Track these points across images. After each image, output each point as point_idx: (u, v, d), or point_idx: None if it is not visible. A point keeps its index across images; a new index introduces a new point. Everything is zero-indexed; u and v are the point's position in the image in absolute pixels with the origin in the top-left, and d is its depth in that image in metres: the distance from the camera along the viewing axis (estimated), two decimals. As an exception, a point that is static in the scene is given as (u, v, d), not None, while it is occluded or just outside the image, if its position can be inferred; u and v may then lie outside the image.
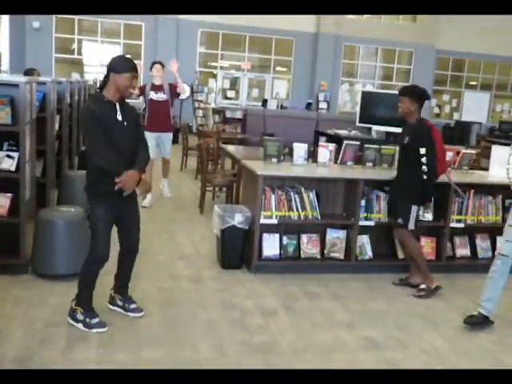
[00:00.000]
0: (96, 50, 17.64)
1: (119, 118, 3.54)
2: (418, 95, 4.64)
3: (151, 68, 7.34)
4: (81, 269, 3.71)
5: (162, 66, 7.34)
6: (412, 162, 4.60)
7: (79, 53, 17.92)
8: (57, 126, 6.23)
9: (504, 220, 5.45)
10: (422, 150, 4.52)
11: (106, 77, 3.52)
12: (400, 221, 4.75)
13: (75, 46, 17.80)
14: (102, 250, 3.60)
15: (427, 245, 5.35)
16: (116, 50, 17.86)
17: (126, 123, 3.57)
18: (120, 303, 3.93)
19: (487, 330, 4.13)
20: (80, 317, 3.65)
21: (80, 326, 3.64)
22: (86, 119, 3.53)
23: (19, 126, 4.28)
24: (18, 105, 4.27)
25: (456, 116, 20.45)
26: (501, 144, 10.20)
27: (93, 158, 3.55)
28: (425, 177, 4.56)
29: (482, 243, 5.58)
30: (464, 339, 3.97)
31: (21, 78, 4.38)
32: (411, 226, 4.73)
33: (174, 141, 12.69)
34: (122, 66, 3.50)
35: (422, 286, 4.80)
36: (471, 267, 5.48)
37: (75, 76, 15.22)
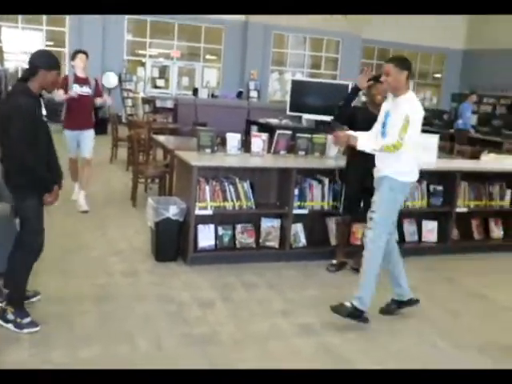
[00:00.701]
0: (17, 37, 16.83)
1: (44, 112, 3.53)
2: None
3: (73, 57, 6.55)
4: (11, 267, 3.56)
5: (87, 55, 6.59)
6: None
7: (-2, 40, 17.06)
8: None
9: (429, 205, 5.73)
10: None
11: (33, 70, 3.44)
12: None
13: (-6, 32, 16.94)
14: (39, 241, 3.56)
15: (358, 231, 5.49)
16: (38, 37, 17.15)
17: (45, 119, 3.57)
18: None
19: (416, 311, 4.32)
20: (11, 317, 3.52)
21: (10, 326, 3.51)
22: (23, 113, 3.37)
23: None
24: None
25: (382, 104, 21.05)
26: (424, 131, 10.65)
27: (25, 156, 3.39)
28: None
29: (410, 228, 5.81)
30: (395, 321, 4.14)
31: None
32: None
33: (103, 131, 12.43)
34: (51, 62, 3.53)
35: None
36: (399, 251, 5.69)
37: (-6, 64, 14.50)
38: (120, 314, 3.87)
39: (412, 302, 4.23)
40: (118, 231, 5.80)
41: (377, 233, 3.90)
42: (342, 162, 5.14)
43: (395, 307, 4.24)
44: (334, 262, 5.14)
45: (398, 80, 3.85)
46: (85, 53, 6.63)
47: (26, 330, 3.50)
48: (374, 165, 4.58)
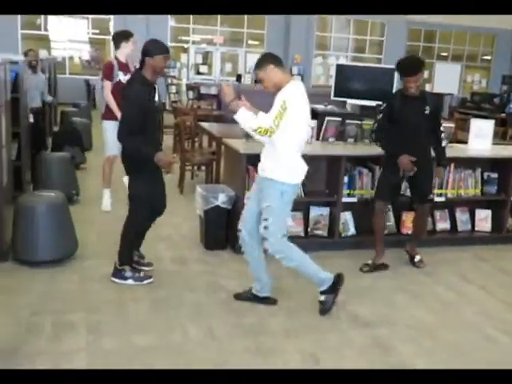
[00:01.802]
0: (63, 25, 17.13)
1: (156, 99, 4.00)
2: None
3: (126, 40, 5.79)
4: (131, 230, 4.10)
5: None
6: (429, 131, 4.57)
7: (45, 28, 17.40)
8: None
9: (483, 193, 5.54)
10: (440, 118, 4.66)
11: (142, 59, 3.81)
12: (432, 196, 4.79)
13: (41, 21, 17.27)
14: (147, 210, 4.18)
15: (408, 220, 5.38)
16: (83, 25, 17.41)
17: (156, 104, 4.06)
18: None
19: (470, 303, 4.20)
20: (128, 274, 4.06)
21: (130, 281, 4.04)
22: (132, 103, 3.74)
23: (-6, 108, 4.14)
24: (-9, 86, 4.12)
25: (428, 87, 20.55)
26: (474, 116, 10.33)
27: (128, 141, 3.81)
28: (445, 143, 4.72)
29: (462, 216, 5.65)
30: (449, 312, 4.04)
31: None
32: None
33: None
34: (154, 49, 3.81)
35: (419, 258, 4.92)
36: (451, 240, 5.56)
37: (43, 53, 14.79)
38: (171, 301, 3.90)
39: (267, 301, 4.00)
40: (166, 218, 5.76)
41: (272, 238, 3.74)
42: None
43: (250, 297, 4.02)
44: (369, 261, 4.76)
45: (271, 79, 3.61)
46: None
47: (145, 282, 4.09)
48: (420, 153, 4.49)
